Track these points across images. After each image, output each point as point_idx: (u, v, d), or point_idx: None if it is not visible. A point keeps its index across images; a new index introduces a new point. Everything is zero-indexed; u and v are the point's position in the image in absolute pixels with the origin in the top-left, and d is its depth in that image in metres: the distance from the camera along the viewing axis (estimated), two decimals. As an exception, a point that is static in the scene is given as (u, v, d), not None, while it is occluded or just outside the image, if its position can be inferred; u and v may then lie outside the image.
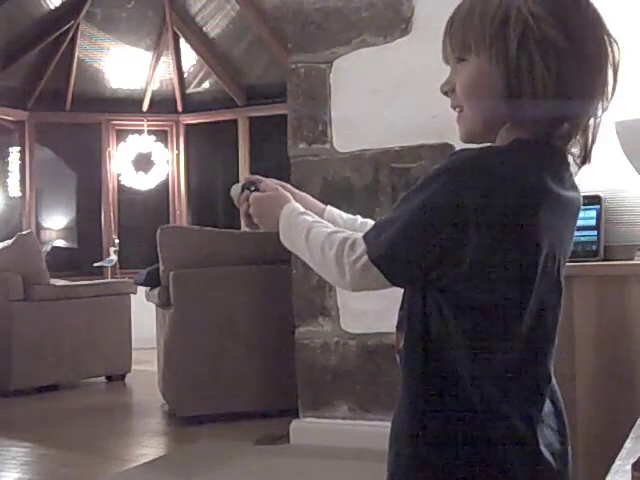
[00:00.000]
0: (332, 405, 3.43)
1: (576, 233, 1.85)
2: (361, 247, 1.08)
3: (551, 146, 1.11)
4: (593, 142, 1.14)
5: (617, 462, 0.87)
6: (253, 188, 1.34)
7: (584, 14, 1.08)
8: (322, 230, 1.17)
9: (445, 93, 1.15)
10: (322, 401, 3.45)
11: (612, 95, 1.13)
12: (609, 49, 1.11)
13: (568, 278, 1.78)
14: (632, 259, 1.84)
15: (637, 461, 0.79)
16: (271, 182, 1.35)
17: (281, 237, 1.25)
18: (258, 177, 1.37)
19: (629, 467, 0.79)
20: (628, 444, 0.96)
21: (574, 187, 1.15)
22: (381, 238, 1.06)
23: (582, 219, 1.81)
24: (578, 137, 1.12)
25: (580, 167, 1.16)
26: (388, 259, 1.06)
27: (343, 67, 3.41)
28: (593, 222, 1.79)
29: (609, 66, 1.11)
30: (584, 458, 1.75)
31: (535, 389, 1.10)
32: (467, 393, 1.06)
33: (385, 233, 1.06)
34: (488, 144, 1.12)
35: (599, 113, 1.12)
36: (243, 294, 4.13)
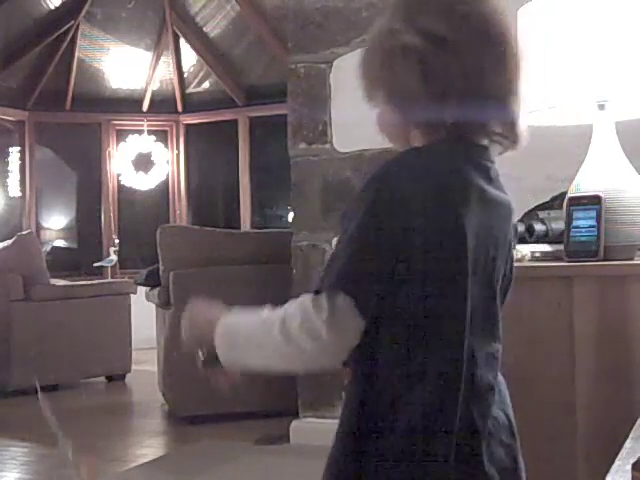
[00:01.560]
0: (332, 405, 3.43)
1: (576, 233, 1.85)
2: (320, 297, 1.02)
3: (470, 142, 1.11)
4: (515, 124, 1.12)
5: (617, 462, 0.87)
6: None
7: (471, 19, 1.08)
8: (264, 317, 1.09)
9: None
10: (322, 401, 3.45)
11: (519, 80, 1.11)
12: (504, 44, 1.10)
13: (568, 278, 1.79)
14: (632, 259, 1.84)
15: (637, 461, 0.79)
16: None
17: (224, 351, 1.13)
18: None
19: (629, 467, 0.79)
20: (628, 444, 0.96)
21: (502, 189, 1.14)
22: (333, 272, 1.03)
23: (582, 219, 1.81)
24: (500, 130, 1.11)
25: (510, 148, 1.15)
26: (350, 281, 1.02)
27: (343, 67, 3.41)
28: (593, 222, 1.79)
29: (508, 60, 1.10)
30: (584, 458, 1.75)
31: (478, 400, 1.06)
32: (406, 411, 1.03)
33: (335, 266, 1.04)
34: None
35: (515, 103, 1.11)
36: (243, 294, 4.12)
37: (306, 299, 1.04)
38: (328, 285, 1.03)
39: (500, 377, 1.13)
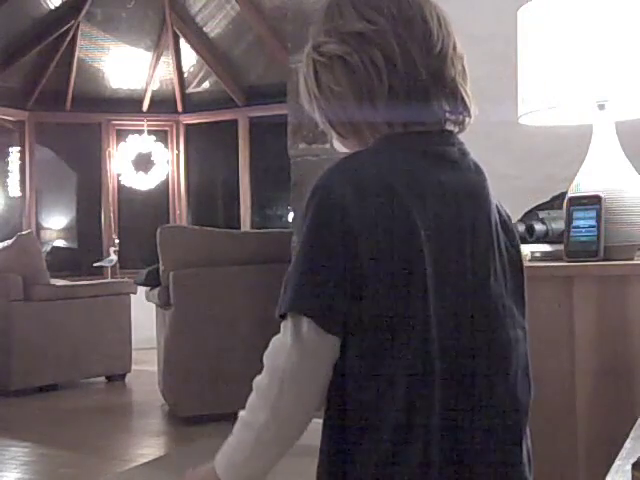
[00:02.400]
0: (332, 405, 3.43)
1: (576, 233, 1.84)
2: (283, 325, 1.01)
3: (413, 133, 1.08)
4: (459, 97, 1.10)
5: (617, 462, 0.87)
6: None
7: (348, 14, 1.09)
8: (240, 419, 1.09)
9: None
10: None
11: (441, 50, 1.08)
12: (425, 21, 1.08)
13: (568, 278, 1.79)
14: (632, 259, 1.84)
15: (637, 461, 0.79)
16: None
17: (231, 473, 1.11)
18: None
19: (629, 467, 0.79)
20: (628, 444, 0.96)
21: (470, 169, 1.09)
22: (288, 293, 1.01)
23: (582, 219, 1.81)
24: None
25: (465, 124, 1.12)
26: (306, 300, 0.99)
27: (343, 67, 3.41)
28: (593, 222, 1.79)
29: (435, 34, 1.08)
30: (584, 458, 1.75)
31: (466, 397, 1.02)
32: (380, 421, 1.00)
33: (289, 286, 1.02)
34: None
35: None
36: (243, 294, 4.13)
37: (270, 346, 1.03)
38: (285, 309, 1.00)
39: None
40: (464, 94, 1.10)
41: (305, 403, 1.06)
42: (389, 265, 0.99)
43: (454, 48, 1.10)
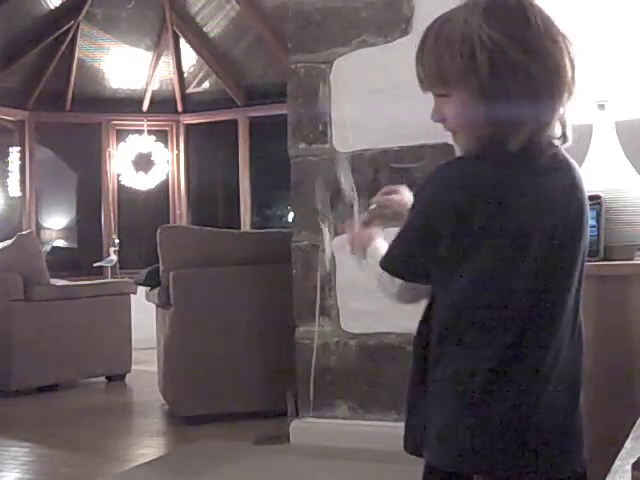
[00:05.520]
0: (332, 405, 3.43)
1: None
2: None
3: (505, 158, 1.20)
4: (567, 125, 1.25)
5: (617, 462, 0.87)
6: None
7: (536, 28, 1.18)
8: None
9: (437, 121, 1.28)
10: (322, 401, 3.45)
11: (574, 81, 1.23)
12: (564, 47, 1.21)
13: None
14: (632, 259, 1.84)
15: (637, 461, 0.79)
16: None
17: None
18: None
19: (629, 467, 0.79)
20: (628, 444, 0.96)
21: (562, 171, 1.25)
22: (388, 251, 1.33)
23: (582, 219, 1.81)
24: (554, 125, 1.22)
25: (563, 144, 1.26)
26: (391, 262, 1.31)
27: (343, 67, 3.41)
28: (593, 222, 1.79)
29: (567, 62, 1.21)
30: (584, 458, 1.74)
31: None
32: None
33: (390, 246, 1.32)
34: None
35: (565, 101, 1.22)
36: (243, 294, 4.13)
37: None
38: (382, 260, 1.32)
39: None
40: (566, 121, 1.28)
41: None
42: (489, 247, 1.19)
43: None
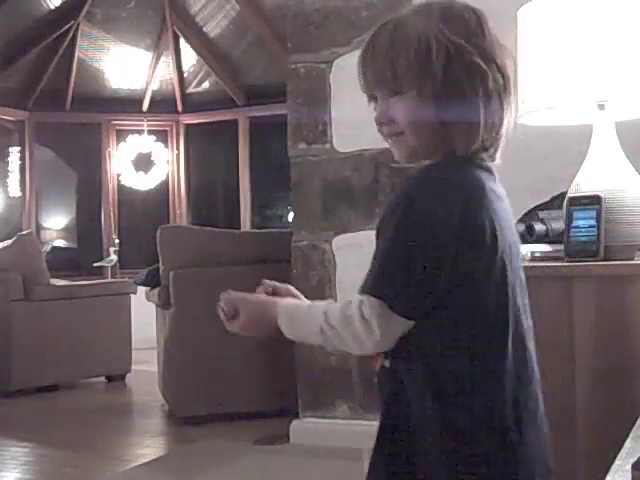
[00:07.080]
0: (332, 405, 3.43)
1: (576, 233, 1.84)
2: (359, 302, 1.17)
3: (475, 163, 1.20)
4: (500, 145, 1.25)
5: (617, 462, 0.87)
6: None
7: (490, 37, 1.21)
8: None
9: (380, 124, 1.26)
10: (322, 401, 3.45)
11: (515, 95, 1.25)
12: (512, 60, 1.25)
13: (568, 278, 1.79)
14: (632, 259, 1.84)
15: (637, 461, 0.79)
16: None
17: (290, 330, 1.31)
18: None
19: (629, 467, 0.79)
20: (628, 444, 0.96)
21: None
22: (368, 278, 1.17)
23: (582, 219, 1.81)
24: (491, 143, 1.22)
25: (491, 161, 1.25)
26: (381, 287, 1.15)
27: (343, 67, 3.41)
28: (593, 222, 1.79)
29: (512, 74, 1.24)
30: (584, 458, 1.75)
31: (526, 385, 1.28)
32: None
33: (370, 273, 1.17)
34: (427, 162, 1.23)
35: (512, 114, 1.25)
36: (243, 294, 4.12)
37: (353, 300, 1.18)
38: (362, 290, 1.16)
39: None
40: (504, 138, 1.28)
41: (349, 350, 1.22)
42: (474, 261, 1.14)
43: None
